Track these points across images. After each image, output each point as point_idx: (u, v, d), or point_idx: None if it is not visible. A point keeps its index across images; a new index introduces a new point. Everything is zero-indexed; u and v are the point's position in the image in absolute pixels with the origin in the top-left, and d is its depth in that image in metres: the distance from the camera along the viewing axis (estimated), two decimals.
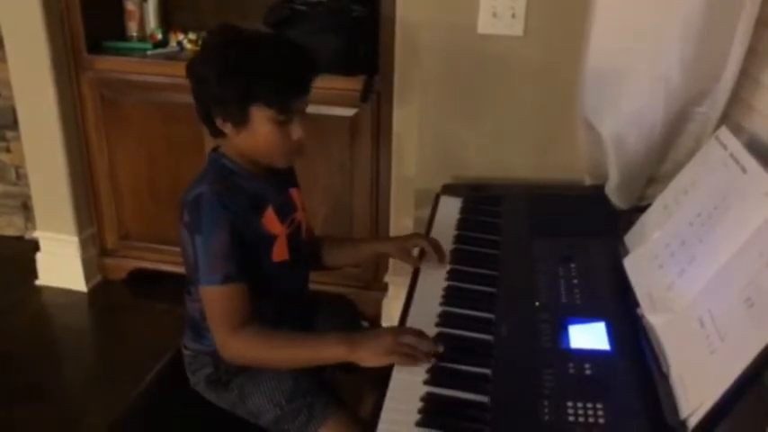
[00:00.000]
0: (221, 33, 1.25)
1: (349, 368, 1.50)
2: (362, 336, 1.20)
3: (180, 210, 1.27)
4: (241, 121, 1.23)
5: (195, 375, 1.39)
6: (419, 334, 1.17)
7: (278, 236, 1.33)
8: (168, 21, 2.58)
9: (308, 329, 1.45)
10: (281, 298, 1.37)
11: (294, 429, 1.31)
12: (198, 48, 2.44)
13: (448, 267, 1.43)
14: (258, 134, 1.24)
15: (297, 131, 1.25)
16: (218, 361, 1.35)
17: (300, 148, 1.28)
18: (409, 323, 1.26)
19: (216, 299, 1.25)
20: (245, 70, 1.19)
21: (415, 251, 1.51)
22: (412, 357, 1.13)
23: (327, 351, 1.22)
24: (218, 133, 1.28)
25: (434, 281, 1.38)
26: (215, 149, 1.33)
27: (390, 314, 2.31)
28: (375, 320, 2.23)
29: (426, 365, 1.12)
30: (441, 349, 1.15)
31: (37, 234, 2.70)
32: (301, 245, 1.41)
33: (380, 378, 1.12)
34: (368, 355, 1.16)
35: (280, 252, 1.34)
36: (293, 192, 1.42)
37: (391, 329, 1.23)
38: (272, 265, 1.33)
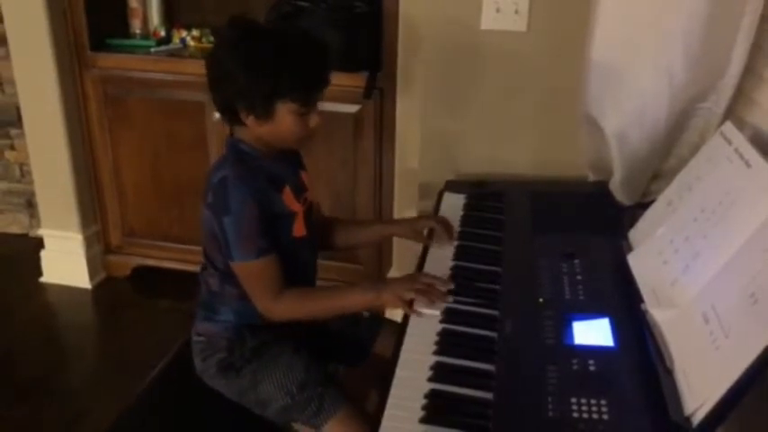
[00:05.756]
0: (243, 27, 1.27)
1: (352, 362, 1.52)
2: (386, 281, 1.44)
3: (204, 193, 1.31)
4: (265, 114, 1.26)
5: (206, 362, 1.39)
6: (435, 277, 1.32)
7: (297, 212, 1.37)
8: (171, 18, 2.58)
9: None
10: (298, 275, 1.40)
11: (303, 419, 1.33)
12: (201, 44, 2.46)
13: (451, 264, 1.43)
14: (280, 125, 1.28)
15: (315, 120, 1.30)
16: (233, 344, 1.37)
17: (315, 132, 1.33)
18: (412, 319, 1.26)
19: (253, 273, 1.31)
20: (273, 68, 1.22)
21: (425, 232, 1.55)
22: (429, 294, 1.26)
23: (358, 298, 1.34)
24: (235, 122, 1.31)
25: None
26: (231, 135, 1.36)
27: (394, 310, 2.31)
28: (378, 316, 2.23)
29: (429, 362, 1.12)
30: (452, 286, 1.30)
31: (41, 231, 2.70)
32: (313, 223, 1.45)
33: (384, 375, 1.12)
34: (391, 297, 1.29)
35: (299, 228, 1.38)
36: (303, 174, 1.45)
37: (410, 275, 1.37)
38: (292, 241, 1.37)
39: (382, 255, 2.40)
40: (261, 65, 1.22)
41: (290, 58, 1.23)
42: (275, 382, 1.34)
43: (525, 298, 1.27)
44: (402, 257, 2.27)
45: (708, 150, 1.27)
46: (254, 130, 1.29)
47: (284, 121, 1.27)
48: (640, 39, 1.45)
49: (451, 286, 1.30)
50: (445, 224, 1.52)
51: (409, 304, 1.27)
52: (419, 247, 1.54)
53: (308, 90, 1.26)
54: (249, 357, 1.37)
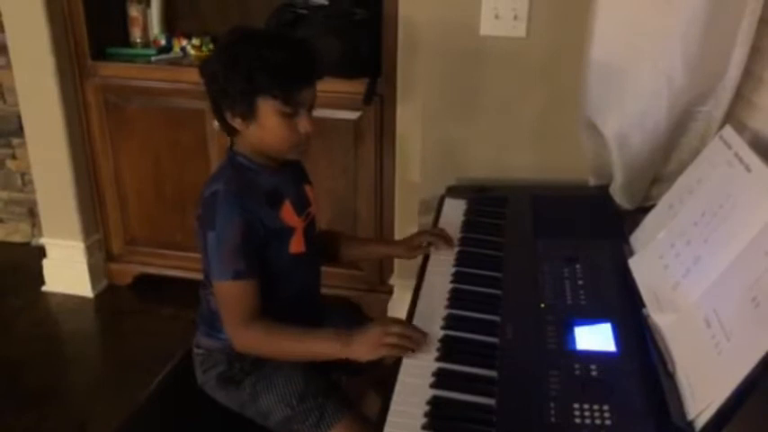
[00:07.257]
0: (231, 33, 1.29)
1: (353, 370, 1.52)
2: (354, 333, 1.23)
3: (197, 205, 1.31)
4: (248, 114, 1.25)
5: (206, 374, 1.39)
6: (404, 324, 1.22)
7: (295, 228, 1.36)
8: (171, 26, 2.59)
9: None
10: (297, 291, 1.39)
11: (305, 429, 1.33)
12: (201, 53, 2.47)
13: (453, 270, 1.42)
14: (266, 127, 1.26)
15: (304, 125, 1.27)
16: (232, 358, 1.37)
17: (309, 140, 1.31)
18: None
19: (226, 293, 1.29)
20: (247, 63, 1.22)
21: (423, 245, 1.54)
22: (401, 347, 1.16)
23: (323, 347, 1.26)
24: (231, 131, 1.31)
25: (439, 283, 1.38)
26: (231, 147, 1.35)
27: (396, 317, 2.31)
28: None
29: (431, 368, 1.12)
30: (426, 337, 1.19)
31: (43, 240, 2.71)
32: (315, 238, 1.44)
33: (384, 380, 1.12)
34: (360, 351, 1.21)
35: (297, 244, 1.36)
36: (307, 188, 1.44)
37: (380, 323, 1.25)
38: (288, 258, 1.35)
39: (383, 260, 2.40)
40: (239, 61, 1.23)
41: (269, 54, 1.22)
42: (275, 394, 1.34)
43: (527, 303, 1.27)
44: (404, 264, 2.27)
45: (708, 154, 1.27)
46: (246, 137, 1.29)
47: (269, 121, 1.25)
48: (640, 42, 1.45)
49: (424, 333, 1.19)
50: (443, 236, 1.51)
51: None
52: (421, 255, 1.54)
53: (285, 85, 1.23)
54: (249, 370, 1.36)
